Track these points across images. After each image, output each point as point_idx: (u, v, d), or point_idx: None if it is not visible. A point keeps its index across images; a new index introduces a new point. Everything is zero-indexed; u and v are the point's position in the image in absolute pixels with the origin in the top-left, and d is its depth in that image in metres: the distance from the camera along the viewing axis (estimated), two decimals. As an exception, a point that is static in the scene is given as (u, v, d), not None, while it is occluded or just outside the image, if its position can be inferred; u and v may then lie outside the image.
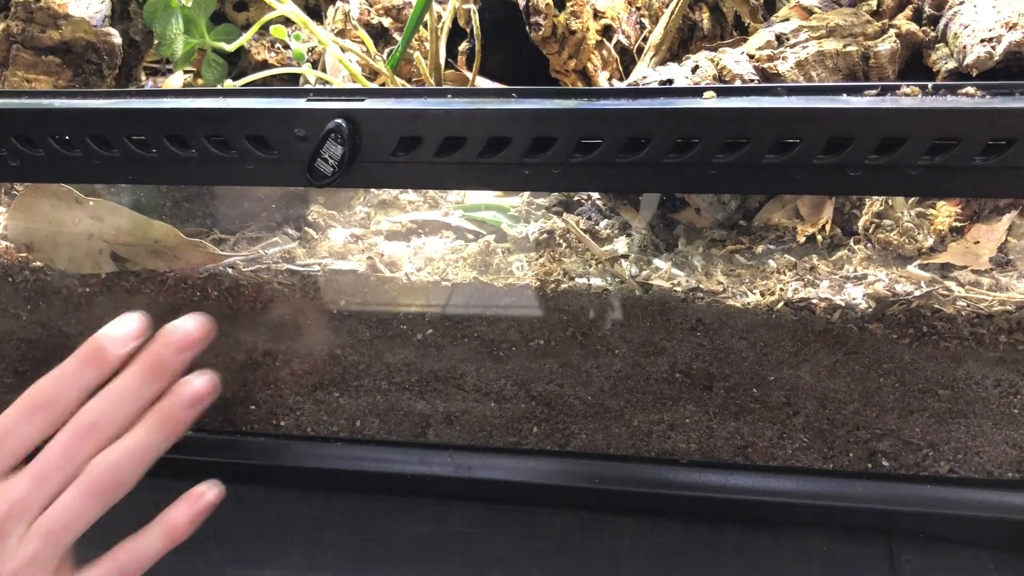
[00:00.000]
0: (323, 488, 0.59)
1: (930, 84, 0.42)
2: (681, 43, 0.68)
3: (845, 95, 0.43)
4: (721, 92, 0.43)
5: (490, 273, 0.52)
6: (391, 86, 0.66)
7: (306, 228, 0.56)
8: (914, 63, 0.56)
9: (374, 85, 0.69)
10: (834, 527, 0.55)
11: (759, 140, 0.42)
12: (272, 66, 0.80)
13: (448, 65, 0.73)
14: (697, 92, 0.44)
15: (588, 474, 0.56)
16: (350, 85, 0.70)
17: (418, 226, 0.57)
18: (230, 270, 0.53)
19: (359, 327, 0.54)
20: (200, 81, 0.80)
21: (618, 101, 0.43)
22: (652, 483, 0.55)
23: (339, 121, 0.44)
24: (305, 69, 0.70)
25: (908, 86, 0.43)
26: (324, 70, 0.76)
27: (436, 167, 0.45)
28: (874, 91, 0.43)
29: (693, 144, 0.42)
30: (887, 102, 0.42)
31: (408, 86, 0.68)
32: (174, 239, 0.53)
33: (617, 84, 0.66)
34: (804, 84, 0.46)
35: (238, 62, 0.81)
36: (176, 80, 0.80)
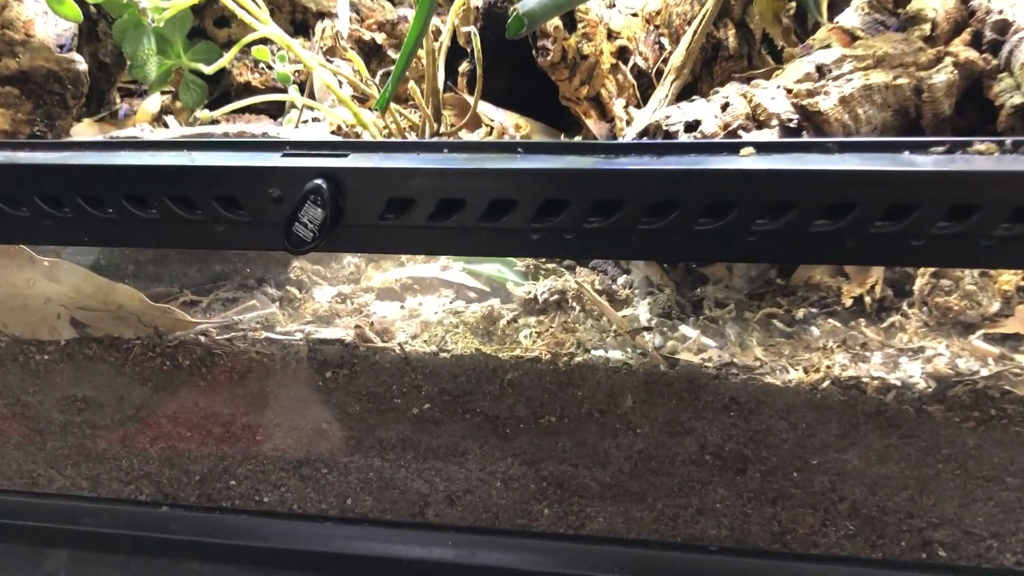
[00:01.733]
0: (310, 570, 0.53)
1: (1008, 140, 0.36)
2: (704, 64, 0.62)
3: (907, 152, 0.37)
4: (761, 148, 0.37)
5: (494, 342, 0.46)
6: (380, 125, 0.60)
7: (288, 287, 0.50)
8: (973, 94, 0.50)
9: (365, 110, 0.62)
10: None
11: (808, 206, 0.36)
12: (256, 88, 0.74)
13: (447, 88, 0.67)
14: (733, 148, 0.38)
15: (606, 561, 0.50)
16: (338, 109, 0.64)
17: (414, 282, 0.51)
18: (202, 338, 0.47)
19: (347, 400, 0.48)
20: (179, 104, 0.74)
21: (640, 159, 0.37)
22: (679, 571, 0.49)
23: (319, 182, 0.38)
24: (292, 95, 0.64)
25: (981, 142, 0.36)
26: (312, 93, 0.70)
27: (431, 231, 0.39)
28: (941, 148, 0.37)
29: (730, 208, 0.36)
30: (957, 163, 0.36)
31: (401, 129, 0.62)
32: (139, 304, 0.47)
33: (635, 111, 0.60)
34: (858, 140, 0.40)
35: (220, 81, 0.75)
36: (153, 103, 0.74)
